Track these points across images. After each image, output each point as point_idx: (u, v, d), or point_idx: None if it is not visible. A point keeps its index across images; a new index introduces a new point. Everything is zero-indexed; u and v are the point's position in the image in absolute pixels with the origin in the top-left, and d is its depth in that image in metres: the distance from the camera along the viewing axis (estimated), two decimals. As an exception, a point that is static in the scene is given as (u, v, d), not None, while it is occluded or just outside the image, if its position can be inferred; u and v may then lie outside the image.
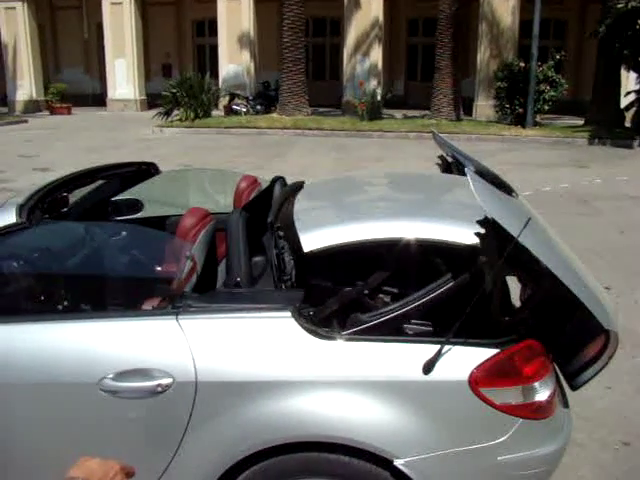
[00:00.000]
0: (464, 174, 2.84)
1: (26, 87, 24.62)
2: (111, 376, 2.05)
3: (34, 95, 24.67)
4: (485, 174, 2.22)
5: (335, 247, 2.21)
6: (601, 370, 2.10)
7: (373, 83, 21.41)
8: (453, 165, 3.09)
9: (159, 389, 2.03)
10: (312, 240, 2.19)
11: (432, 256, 2.27)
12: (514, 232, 1.83)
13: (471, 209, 2.08)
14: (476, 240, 2.03)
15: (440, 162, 3.26)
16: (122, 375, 2.05)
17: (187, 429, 2.05)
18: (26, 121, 20.71)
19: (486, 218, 1.95)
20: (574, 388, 2.14)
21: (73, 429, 2.15)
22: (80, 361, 2.11)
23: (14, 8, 23.99)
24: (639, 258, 6.63)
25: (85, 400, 2.09)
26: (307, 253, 2.15)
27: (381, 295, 2.34)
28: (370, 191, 3.18)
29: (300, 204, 2.62)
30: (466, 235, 2.11)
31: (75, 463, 1.09)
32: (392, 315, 2.09)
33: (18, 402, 2.15)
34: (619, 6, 14.74)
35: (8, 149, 14.45)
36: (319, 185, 3.24)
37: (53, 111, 23.73)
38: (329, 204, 2.90)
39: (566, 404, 2.35)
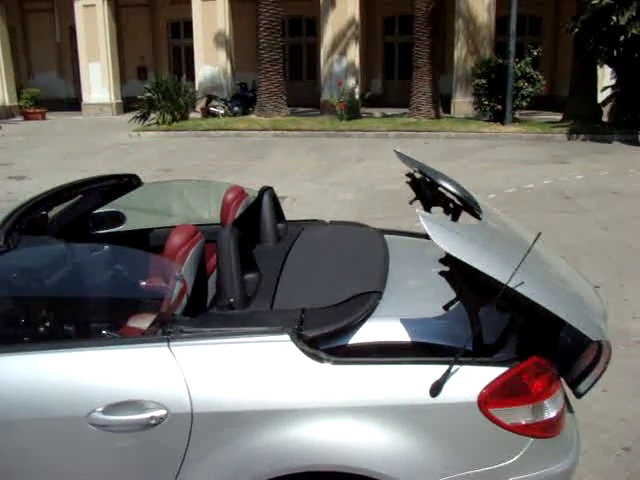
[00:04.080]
0: (435, 189, 2.79)
1: (-2, 92, 24.17)
2: (101, 409, 1.93)
3: (7, 101, 24.18)
4: (457, 191, 2.17)
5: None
6: (601, 374, 2.05)
7: (351, 82, 21.37)
8: (422, 181, 3.02)
9: (152, 422, 1.92)
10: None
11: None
12: (498, 276, 1.80)
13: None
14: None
15: (410, 180, 3.17)
16: (112, 408, 1.93)
17: (183, 463, 1.95)
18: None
19: (448, 255, 1.90)
20: (579, 396, 2.09)
21: (61, 467, 2.03)
22: (66, 394, 1.98)
23: (-18, 11, 23.51)
24: (625, 255, 6.64)
25: (74, 436, 1.97)
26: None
27: None
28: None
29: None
30: None
31: None
32: None
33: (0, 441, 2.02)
34: (594, 2, 14.81)
35: (-19, 157, 14.13)
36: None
37: (27, 117, 23.27)
38: None
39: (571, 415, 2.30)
